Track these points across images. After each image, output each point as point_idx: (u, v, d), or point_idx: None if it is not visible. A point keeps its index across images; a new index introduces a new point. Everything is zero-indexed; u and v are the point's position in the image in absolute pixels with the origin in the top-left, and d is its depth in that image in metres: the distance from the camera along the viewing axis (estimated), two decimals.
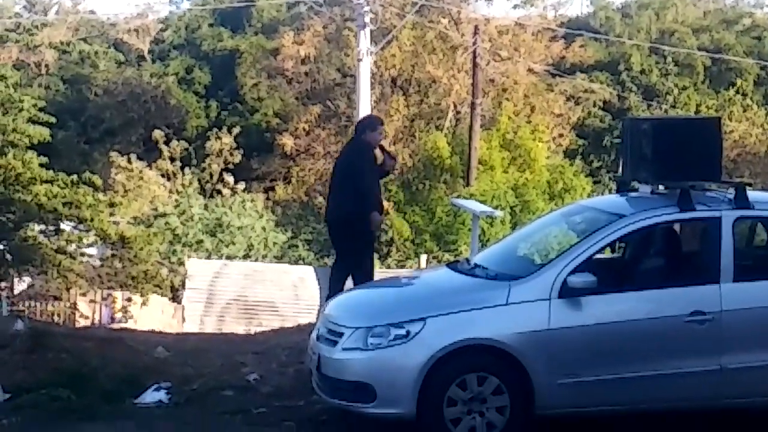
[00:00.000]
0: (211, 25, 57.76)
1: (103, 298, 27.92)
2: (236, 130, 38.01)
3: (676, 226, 10.31)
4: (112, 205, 26.56)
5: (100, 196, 25.91)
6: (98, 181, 25.91)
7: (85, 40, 57.56)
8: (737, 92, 52.00)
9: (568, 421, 9.57)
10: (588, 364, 9.38)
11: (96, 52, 56.70)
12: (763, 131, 46.86)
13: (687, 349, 9.51)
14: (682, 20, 56.28)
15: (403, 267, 31.14)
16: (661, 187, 10.35)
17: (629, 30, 54.57)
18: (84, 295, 27.29)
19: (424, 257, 30.76)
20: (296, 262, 32.67)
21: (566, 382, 9.32)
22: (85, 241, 24.85)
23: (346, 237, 12.66)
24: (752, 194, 10.35)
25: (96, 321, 27.51)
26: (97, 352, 11.56)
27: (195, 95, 52.67)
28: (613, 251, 10.63)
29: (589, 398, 9.42)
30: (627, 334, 9.43)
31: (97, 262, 25.73)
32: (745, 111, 50.30)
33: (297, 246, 34.87)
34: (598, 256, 9.85)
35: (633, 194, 10.64)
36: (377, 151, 13.20)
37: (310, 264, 31.94)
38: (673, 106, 50.29)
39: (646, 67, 52.66)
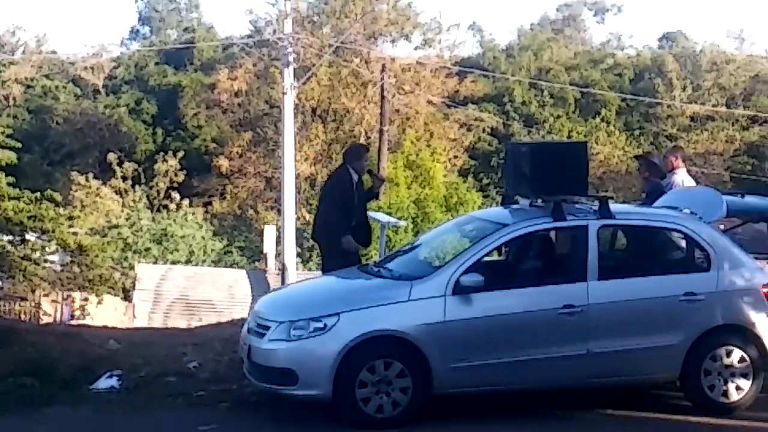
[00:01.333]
0: (156, 64, 57.27)
1: (64, 299, 27.53)
2: (180, 154, 37.74)
3: (551, 233, 10.40)
4: (71, 218, 26.22)
5: (61, 210, 25.60)
6: (59, 198, 25.53)
7: (47, 76, 56.78)
8: (602, 120, 52.55)
9: (461, 398, 9.62)
10: (477, 350, 9.42)
11: (57, 87, 55.95)
12: (624, 153, 47.41)
13: (560, 337, 9.59)
14: (557, 60, 56.82)
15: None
16: (538, 200, 10.40)
17: (512, 68, 54.95)
18: (47, 296, 26.91)
19: None
20: (231, 266, 32.49)
21: (458, 366, 9.36)
22: (47, 249, 24.45)
23: (329, 254, 12.37)
24: (614, 206, 10.48)
25: (57, 318, 27.09)
26: (57, 346, 11.39)
27: (143, 123, 52.18)
28: (498, 255, 10.69)
29: (479, 379, 9.46)
30: (510, 324, 9.49)
31: (58, 268, 25.39)
32: (609, 136, 50.84)
33: (231, 252, 34.68)
34: (486, 259, 9.89)
35: (515, 206, 10.68)
36: (366, 176, 12.89)
37: (242, 268, 31.77)
38: (550, 132, 50.72)
39: (527, 99, 53.07)
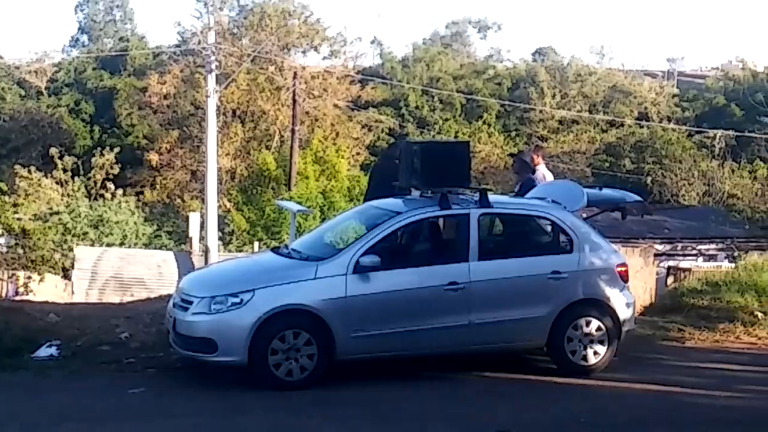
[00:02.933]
0: (94, 69, 56.03)
1: (9, 277, 26.81)
2: (116, 149, 37.01)
3: (438, 220, 10.46)
4: (15, 205, 25.65)
5: (6, 198, 25.00)
6: (5, 187, 24.94)
7: None
8: (484, 123, 52.97)
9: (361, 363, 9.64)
10: (374, 322, 9.46)
11: (3, 88, 54.44)
12: (502, 151, 47.81)
13: (445, 310, 9.67)
14: (446, 70, 57.05)
15: (240, 251, 30.78)
16: (428, 191, 10.45)
17: (407, 76, 55.02)
18: None
19: (257, 244, 30.54)
20: (160, 248, 31.96)
21: (358, 335, 9.39)
22: None
23: None
24: (492, 197, 10.58)
25: (2, 295, 26.41)
26: (2, 319, 11.10)
27: (82, 122, 51.06)
28: (394, 239, 10.70)
29: (375, 347, 9.50)
30: (402, 299, 9.55)
31: (4, 249, 24.80)
32: (489, 137, 51.27)
33: (161, 236, 34.13)
34: (383, 242, 9.90)
35: (408, 197, 10.71)
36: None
37: (170, 250, 31.29)
38: (439, 133, 50.96)
39: (420, 104, 53.23)
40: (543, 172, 13.11)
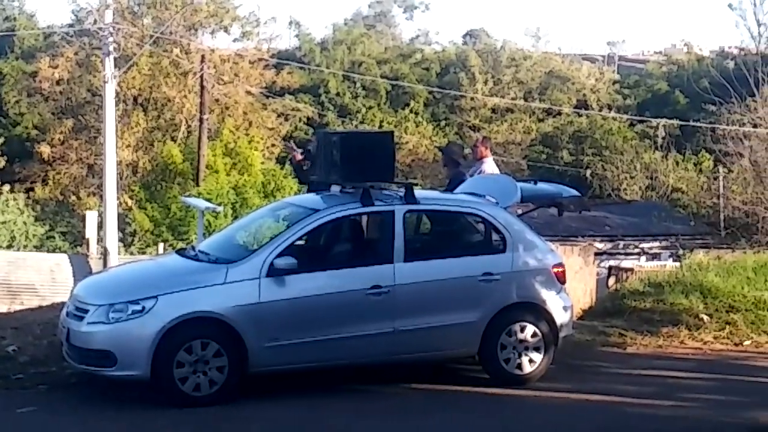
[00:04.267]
0: None
1: None
2: (0, 140, 36.43)
3: (360, 218, 10.48)
4: None
5: None
6: None
7: None
8: (411, 111, 53.16)
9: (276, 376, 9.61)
10: (291, 330, 9.44)
11: None
12: (431, 142, 48.09)
13: (368, 316, 9.69)
14: (369, 54, 57.14)
15: (143, 253, 30.48)
16: (348, 187, 10.46)
17: (327, 60, 54.99)
18: None
19: (161, 245, 30.26)
20: (53, 251, 31.54)
21: (272, 345, 9.36)
22: None
23: None
24: (419, 192, 10.63)
25: None
26: None
27: None
28: (312, 239, 10.70)
29: (291, 358, 9.48)
30: (320, 305, 9.53)
31: None
32: (417, 126, 51.49)
33: (54, 237, 33.68)
34: (299, 242, 9.90)
35: (326, 193, 10.70)
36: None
37: (65, 252, 30.87)
38: (362, 122, 51.02)
39: (341, 91, 53.23)
40: (490, 166, 13.21)
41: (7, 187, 33.14)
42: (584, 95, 55.34)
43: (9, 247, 30.62)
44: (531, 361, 10.23)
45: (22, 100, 47.86)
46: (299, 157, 13.71)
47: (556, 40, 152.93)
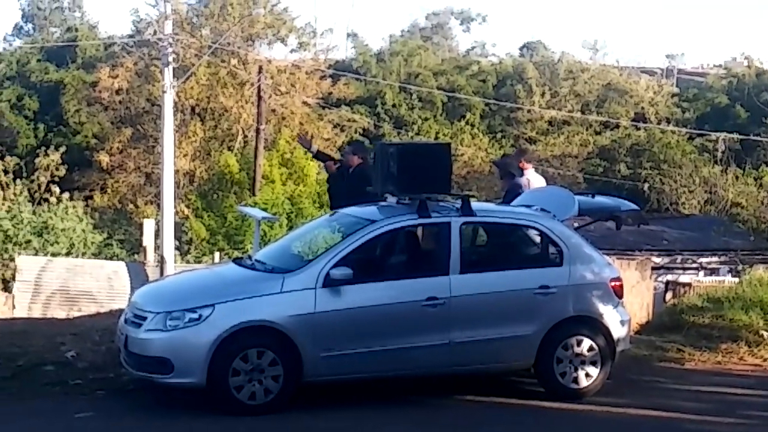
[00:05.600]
0: (38, 61, 55.82)
1: None
2: (62, 149, 36.88)
3: (416, 230, 10.47)
4: None
5: None
6: None
7: None
8: (467, 123, 53.19)
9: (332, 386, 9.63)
10: (346, 340, 9.44)
11: None
12: (487, 155, 48.07)
13: (423, 328, 9.66)
14: (425, 65, 57.25)
15: (200, 262, 30.69)
16: (405, 198, 10.46)
17: (383, 72, 55.18)
18: None
19: (217, 254, 30.47)
20: (111, 258, 31.86)
21: (327, 355, 9.36)
22: None
23: None
24: (475, 204, 10.60)
25: None
26: None
27: (25, 119, 50.86)
28: (368, 250, 10.71)
29: (346, 368, 9.48)
30: (375, 315, 9.53)
31: None
32: (473, 138, 51.50)
33: (111, 245, 34.00)
34: (355, 253, 9.90)
35: (383, 204, 10.72)
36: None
37: (122, 260, 31.16)
38: (418, 134, 51.12)
39: (397, 102, 53.37)
40: (530, 178, 13.16)
41: (66, 195, 33.48)
42: (642, 108, 54.98)
43: (68, 254, 30.95)
44: (587, 375, 10.16)
45: (82, 109, 48.60)
46: (334, 167, 13.69)
47: (614, 53, 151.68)
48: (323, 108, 47.20)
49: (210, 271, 11.30)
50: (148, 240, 29.53)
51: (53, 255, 29.99)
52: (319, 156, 14.43)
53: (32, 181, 34.58)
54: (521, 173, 13.20)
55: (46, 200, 33.50)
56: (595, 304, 10.26)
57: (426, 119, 53.30)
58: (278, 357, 9.27)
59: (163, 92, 29.39)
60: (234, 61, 43.28)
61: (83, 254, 31.57)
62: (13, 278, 27.68)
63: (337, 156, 13.82)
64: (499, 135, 53.46)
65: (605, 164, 50.26)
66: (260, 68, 38.34)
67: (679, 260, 34.30)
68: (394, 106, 53.15)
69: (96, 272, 27.45)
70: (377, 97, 53.24)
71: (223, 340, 9.13)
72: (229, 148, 42.41)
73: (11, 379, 10.17)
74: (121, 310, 11.47)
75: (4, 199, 33.77)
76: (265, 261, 10.20)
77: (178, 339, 9.19)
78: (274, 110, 42.99)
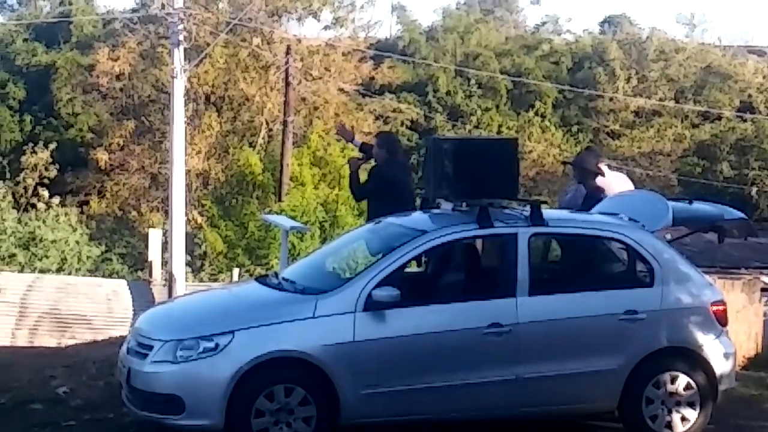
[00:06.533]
0: (25, 40, 56.34)
1: None
2: (52, 145, 37.27)
3: (476, 242, 10.47)
4: None
5: None
6: None
7: None
8: (536, 114, 53.10)
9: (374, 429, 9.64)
10: (391, 375, 9.45)
11: None
12: (560, 152, 47.95)
13: (485, 360, 9.65)
14: (486, 44, 57.19)
15: (215, 280, 30.89)
16: (462, 204, 10.46)
17: (435, 52, 55.19)
18: None
19: (236, 271, 30.60)
20: (110, 276, 32.11)
21: (370, 392, 9.37)
22: None
23: None
24: (547, 212, 10.57)
25: None
26: None
27: (9, 109, 51.38)
28: (417, 266, 10.73)
29: (393, 408, 9.49)
30: (428, 346, 9.52)
31: None
32: (543, 132, 51.40)
33: (111, 259, 34.30)
34: (403, 270, 9.92)
35: (435, 211, 10.73)
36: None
37: (123, 278, 31.42)
38: (477, 127, 51.09)
39: (452, 89, 53.39)
40: (611, 180, 13.08)
41: (57, 200, 33.80)
42: (750, 96, 54.54)
43: (59, 270, 31.23)
44: (684, 419, 10.11)
45: (76, 98, 48.98)
46: (361, 162, 13.62)
47: (716, 29, 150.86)
48: (363, 96, 47.32)
49: (228, 291, 11.34)
50: (154, 254, 29.70)
51: (42, 271, 30.27)
52: (363, 149, 14.19)
53: (17, 184, 34.97)
54: (601, 175, 13.14)
55: (34, 206, 33.83)
56: (693, 333, 10.20)
57: (487, 109, 53.26)
58: (310, 395, 9.29)
59: (173, 78, 29.58)
60: (257, 41, 43.46)
61: (77, 271, 31.85)
62: None
63: None
64: (575, 128, 53.31)
65: (704, 163, 49.98)
66: (288, 49, 38.51)
67: None
68: (448, 93, 53.17)
69: (92, 292, 27.65)
70: (428, 83, 53.28)
71: (245, 374, 9.16)
72: (251, 145, 42.63)
73: None
74: (122, 338, 11.56)
75: None
76: (294, 280, 10.24)
77: (190, 372, 9.23)
78: (304, 99, 43.17)
